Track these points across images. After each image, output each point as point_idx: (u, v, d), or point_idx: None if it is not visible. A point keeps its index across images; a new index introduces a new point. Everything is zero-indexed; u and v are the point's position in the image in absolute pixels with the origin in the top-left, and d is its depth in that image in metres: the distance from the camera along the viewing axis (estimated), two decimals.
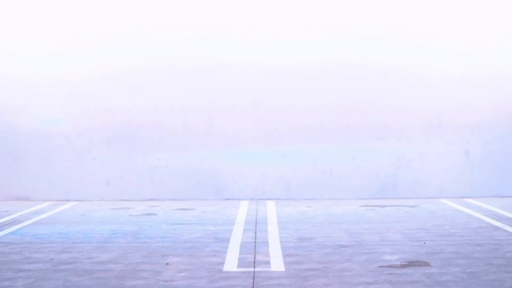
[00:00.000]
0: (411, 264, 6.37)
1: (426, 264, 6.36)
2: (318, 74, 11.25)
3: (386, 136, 11.28)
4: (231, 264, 6.47)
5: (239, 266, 6.40)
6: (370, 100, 11.27)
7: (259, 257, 6.72)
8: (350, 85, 11.26)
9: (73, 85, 11.27)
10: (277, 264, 6.44)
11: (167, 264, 6.46)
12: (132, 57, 11.23)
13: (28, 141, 11.15)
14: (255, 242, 7.49)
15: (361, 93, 11.27)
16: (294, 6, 11.25)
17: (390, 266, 6.28)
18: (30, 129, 11.10)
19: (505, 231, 8.03)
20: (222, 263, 6.48)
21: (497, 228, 8.23)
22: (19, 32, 11.27)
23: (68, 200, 10.99)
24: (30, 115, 11.25)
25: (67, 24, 11.24)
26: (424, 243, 7.34)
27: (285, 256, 6.76)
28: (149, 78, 11.24)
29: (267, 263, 6.50)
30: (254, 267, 6.31)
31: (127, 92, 11.24)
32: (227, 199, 11.02)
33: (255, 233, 8.04)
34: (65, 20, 11.25)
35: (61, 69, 11.29)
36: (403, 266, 6.30)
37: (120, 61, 11.23)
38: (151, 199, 11.03)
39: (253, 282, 5.76)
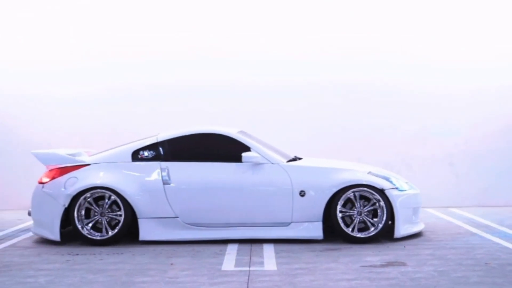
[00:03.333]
0: (390, 264, 6.99)
1: (403, 264, 6.99)
2: (312, 91, 11.86)
3: (375, 148, 11.78)
4: (229, 264, 7.07)
5: (236, 266, 6.98)
6: (360, 115, 11.84)
7: (254, 259, 7.30)
8: (342, 101, 11.85)
9: (81, 102, 11.89)
10: (270, 264, 7.05)
11: (171, 264, 7.12)
12: (138, 76, 11.89)
13: None
14: (251, 246, 8.03)
15: (352, 109, 11.84)
16: (290, 28, 11.91)
17: (371, 266, 6.91)
18: (41, 142, 11.58)
19: (481, 236, 8.55)
20: (221, 263, 7.09)
21: (473, 234, 8.74)
22: (32, 51, 11.92)
23: None
24: (41, 129, 11.84)
25: (77, 44, 11.92)
26: (404, 246, 7.93)
27: (277, 257, 7.35)
28: (154, 95, 11.88)
29: (261, 263, 7.08)
30: (249, 267, 6.91)
31: (133, 108, 11.86)
32: None
33: (251, 238, 8.52)
34: (75, 41, 11.92)
35: (70, 86, 11.92)
36: (382, 266, 6.92)
37: (127, 79, 11.88)
38: None
39: (248, 279, 6.40)
